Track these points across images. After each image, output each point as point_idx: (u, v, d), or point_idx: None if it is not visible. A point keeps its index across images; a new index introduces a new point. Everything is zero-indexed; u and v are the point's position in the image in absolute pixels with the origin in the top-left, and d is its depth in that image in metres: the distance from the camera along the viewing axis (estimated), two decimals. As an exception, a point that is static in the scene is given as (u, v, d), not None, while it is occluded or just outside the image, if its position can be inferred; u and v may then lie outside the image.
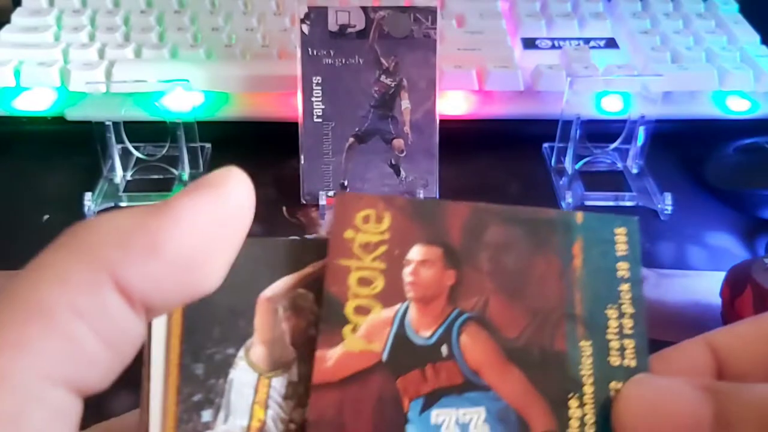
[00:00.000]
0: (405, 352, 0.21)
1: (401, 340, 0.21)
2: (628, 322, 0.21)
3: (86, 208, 0.46)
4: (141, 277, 0.17)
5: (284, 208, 0.47)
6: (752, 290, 0.36)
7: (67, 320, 0.16)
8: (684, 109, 0.52)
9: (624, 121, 0.49)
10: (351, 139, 0.46)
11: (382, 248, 0.22)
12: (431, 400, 0.20)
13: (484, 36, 0.56)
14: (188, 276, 0.17)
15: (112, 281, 0.16)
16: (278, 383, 0.22)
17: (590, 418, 0.19)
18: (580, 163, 0.49)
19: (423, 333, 0.21)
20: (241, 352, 0.21)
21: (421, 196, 0.46)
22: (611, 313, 0.21)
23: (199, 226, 0.17)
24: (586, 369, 0.20)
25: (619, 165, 0.50)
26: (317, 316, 0.22)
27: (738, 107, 0.52)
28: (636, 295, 0.21)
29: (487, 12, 0.58)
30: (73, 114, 0.50)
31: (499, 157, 0.51)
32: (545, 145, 0.51)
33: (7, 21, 0.56)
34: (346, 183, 0.46)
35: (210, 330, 0.20)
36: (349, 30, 0.45)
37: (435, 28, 0.46)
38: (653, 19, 0.58)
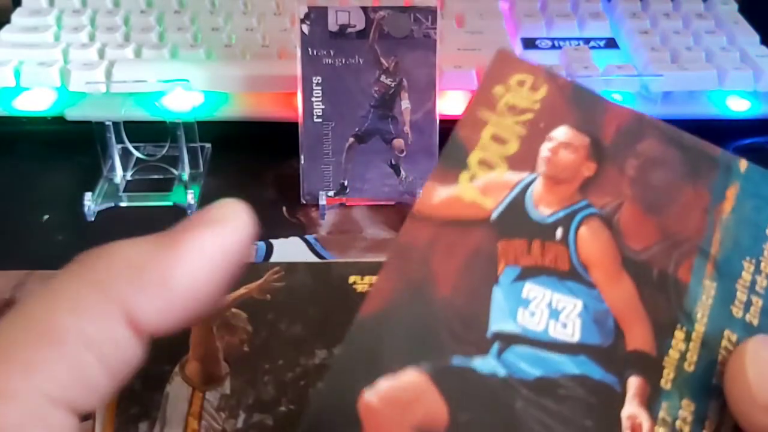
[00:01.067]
0: (517, 220, 0.20)
1: (517, 207, 0.20)
2: (762, 281, 0.20)
3: (86, 208, 0.46)
4: (150, 309, 0.18)
5: (284, 208, 0.47)
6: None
7: (77, 348, 0.16)
8: (684, 109, 0.52)
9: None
10: (351, 139, 0.46)
11: (528, 115, 0.21)
12: (528, 272, 0.19)
13: (484, 36, 0.56)
14: (193, 305, 0.18)
15: (122, 313, 0.17)
16: (212, 396, 0.23)
17: (692, 356, 0.19)
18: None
19: (542, 210, 0.20)
20: (177, 368, 0.22)
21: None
22: (748, 265, 0.20)
23: (205, 260, 0.18)
24: (704, 308, 0.19)
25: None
26: (250, 335, 0.22)
27: (738, 107, 0.52)
28: None
29: (487, 12, 0.58)
30: (73, 114, 0.50)
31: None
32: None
33: (7, 21, 0.56)
34: (346, 183, 0.46)
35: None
36: (349, 30, 0.45)
37: (435, 28, 0.46)
38: (653, 19, 0.58)
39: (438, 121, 0.46)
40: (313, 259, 0.43)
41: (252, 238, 0.20)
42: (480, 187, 0.20)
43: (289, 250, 0.43)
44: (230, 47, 0.54)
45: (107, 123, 0.46)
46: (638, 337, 0.19)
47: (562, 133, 0.21)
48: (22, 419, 0.15)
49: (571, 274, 0.19)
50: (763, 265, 0.20)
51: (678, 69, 0.52)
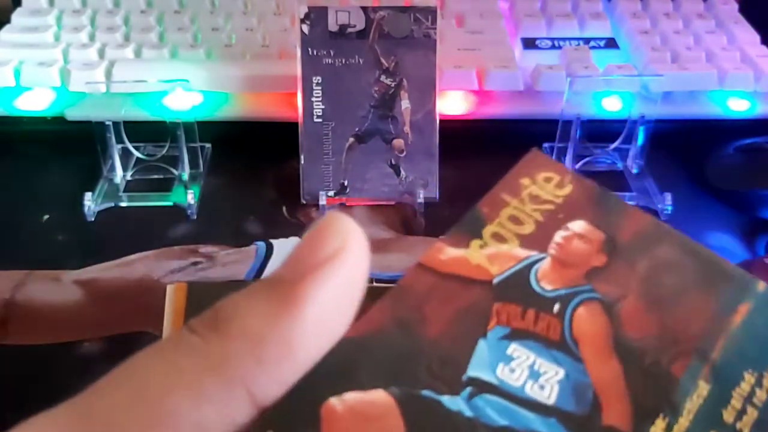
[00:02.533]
0: (517, 288, 0.20)
1: (520, 278, 0.21)
2: (762, 395, 0.19)
3: (86, 208, 0.46)
4: (273, 383, 0.16)
5: (284, 208, 0.47)
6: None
7: None
8: (684, 109, 0.52)
9: (624, 121, 0.49)
10: (351, 139, 0.46)
11: (549, 206, 0.22)
12: (517, 334, 0.20)
13: (484, 36, 0.56)
14: (311, 364, 0.17)
15: (244, 393, 0.16)
16: None
17: None
18: (580, 163, 0.49)
19: (545, 284, 0.21)
20: None
21: (421, 196, 0.46)
22: (749, 377, 0.20)
23: (327, 313, 0.17)
24: (692, 405, 0.19)
25: (619, 165, 0.50)
26: None
27: (738, 107, 0.52)
28: None
29: (487, 12, 0.58)
30: (73, 114, 0.50)
31: (499, 157, 0.51)
32: (545, 145, 0.51)
33: (7, 21, 0.56)
34: (346, 183, 0.46)
35: None
36: (349, 30, 0.45)
37: (435, 28, 0.46)
38: (653, 19, 0.58)
39: (438, 121, 0.46)
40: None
41: (368, 264, 0.18)
42: (488, 255, 0.21)
43: (289, 250, 0.43)
44: (230, 47, 0.54)
45: (107, 123, 0.46)
46: (616, 415, 0.19)
47: (579, 225, 0.22)
48: None
49: (560, 345, 0.20)
50: (766, 381, 0.20)
51: (678, 69, 0.52)
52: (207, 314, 0.17)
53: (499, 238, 0.21)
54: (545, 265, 0.21)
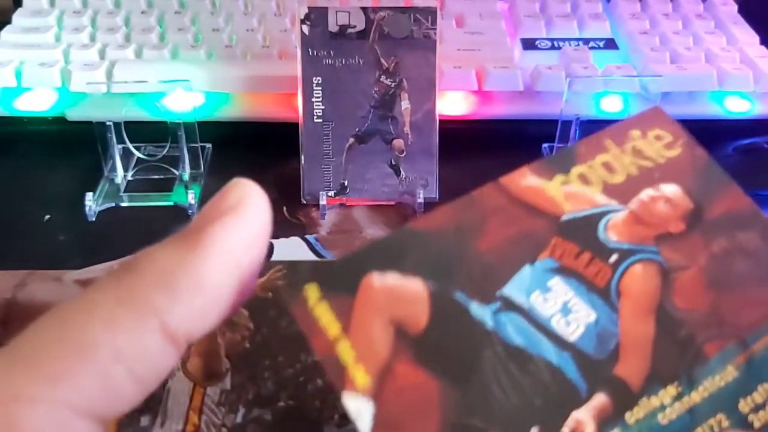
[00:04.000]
0: (582, 231, 0.20)
1: (589, 223, 0.21)
2: None
3: (87, 208, 0.46)
4: (187, 316, 0.18)
5: (284, 208, 0.47)
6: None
7: (108, 362, 0.17)
8: (683, 110, 0.52)
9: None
10: (351, 140, 0.46)
11: (648, 163, 0.22)
12: (564, 271, 0.20)
13: (483, 36, 0.56)
14: (226, 304, 0.18)
15: (157, 324, 0.17)
16: (212, 391, 0.24)
17: (671, 414, 0.19)
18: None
19: (611, 235, 0.21)
20: (179, 364, 0.23)
21: (421, 196, 0.46)
22: None
23: (232, 255, 0.18)
24: (711, 385, 0.19)
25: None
26: (251, 331, 0.23)
27: (737, 107, 0.52)
28: None
29: (487, 12, 0.58)
30: (74, 114, 0.50)
31: (499, 157, 0.51)
32: (545, 145, 0.51)
33: (8, 21, 0.56)
34: (346, 183, 0.47)
35: None
36: (349, 30, 0.45)
37: (435, 29, 0.46)
38: (652, 19, 0.58)
39: (438, 122, 0.46)
40: (314, 259, 0.43)
41: (269, 219, 0.20)
42: (567, 192, 0.21)
43: (290, 250, 0.43)
44: (231, 48, 0.54)
45: (108, 123, 0.46)
46: (630, 369, 0.19)
47: (670, 189, 0.22)
48: (43, 425, 0.16)
49: (602, 293, 0.20)
50: None
51: (677, 69, 0.52)
52: (125, 259, 0.18)
53: (584, 179, 0.21)
54: (619, 217, 0.21)
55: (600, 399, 0.18)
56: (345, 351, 0.18)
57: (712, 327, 0.20)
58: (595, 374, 0.19)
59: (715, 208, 0.21)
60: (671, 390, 0.19)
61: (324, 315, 0.18)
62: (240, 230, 0.19)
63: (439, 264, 0.19)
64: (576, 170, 0.21)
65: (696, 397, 0.19)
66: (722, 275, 0.20)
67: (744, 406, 0.19)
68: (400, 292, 0.19)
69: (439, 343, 0.18)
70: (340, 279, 0.19)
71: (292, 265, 0.25)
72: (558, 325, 0.19)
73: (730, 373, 0.19)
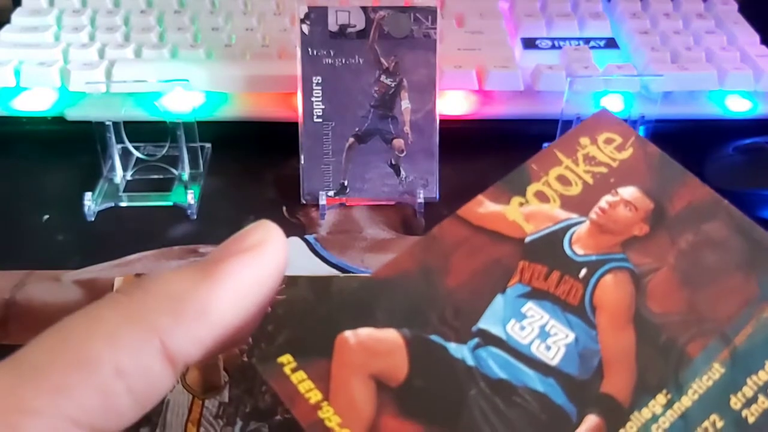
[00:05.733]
0: (547, 250, 0.20)
1: (553, 240, 0.20)
2: None
3: (86, 208, 0.46)
4: (188, 341, 0.18)
5: (284, 208, 0.47)
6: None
7: (109, 378, 0.17)
8: (684, 109, 0.52)
9: (624, 121, 0.49)
10: (351, 139, 0.46)
11: (603, 169, 0.22)
12: (536, 294, 0.20)
13: (484, 36, 0.56)
14: (230, 336, 0.19)
15: (158, 345, 0.18)
16: (211, 404, 0.24)
17: (665, 423, 0.18)
18: (580, 163, 0.49)
19: (577, 249, 0.20)
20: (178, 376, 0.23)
21: (421, 196, 0.46)
22: None
23: (242, 291, 0.19)
24: (700, 386, 0.19)
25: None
26: (249, 346, 0.24)
27: (738, 107, 0.52)
28: None
29: (487, 12, 0.58)
30: (73, 114, 0.50)
31: (499, 157, 0.51)
32: (545, 145, 0.51)
33: (7, 21, 0.56)
34: (346, 183, 0.46)
35: None
36: (349, 30, 0.45)
37: (435, 28, 0.46)
38: (653, 19, 0.58)
39: (438, 121, 0.46)
40: (314, 259, 0.43)
41: (286, 263, 0.20)
42: (526, 213, 0.21)
43: (289, 250, 0.43)
44: (230, 47, 0.54)
45: (107, 123, 0.46)
46: (617, 385, 0.19)
47: (628, 192, 0.21)
48: None
49: (577, 310, 0.20)
50: None
51: (678, 69, 0.52)
52: (136, 278, 0.18)
53: (541, 197, 0.21)
54: (582, 229, 0.21)
55: (591, 420, 0.18)
56: (329, 417, 0.18)
57: (691, 326, 0.20)
58: (583, 395, 0.18)
59: (676, 203, 0.21)
60: (661, 398, 0.19)
61: (302, 383, 0.18)
62: (255, 269, 0.19)
63: (410, 311, 0.19)
64: (531, 189, 0.21)
65: (687, 401, 0.19)
66: (694, 271, 0.20)
67: (735, 402, 0.19)
68: (376, 346, 0.19)
69: (421, 390, 0.18)
70: (313, 344, 0.19)
71: (291, 280, 0.25)
72: (538, 351, 0.19)
73: (716, 371, 0.19)
